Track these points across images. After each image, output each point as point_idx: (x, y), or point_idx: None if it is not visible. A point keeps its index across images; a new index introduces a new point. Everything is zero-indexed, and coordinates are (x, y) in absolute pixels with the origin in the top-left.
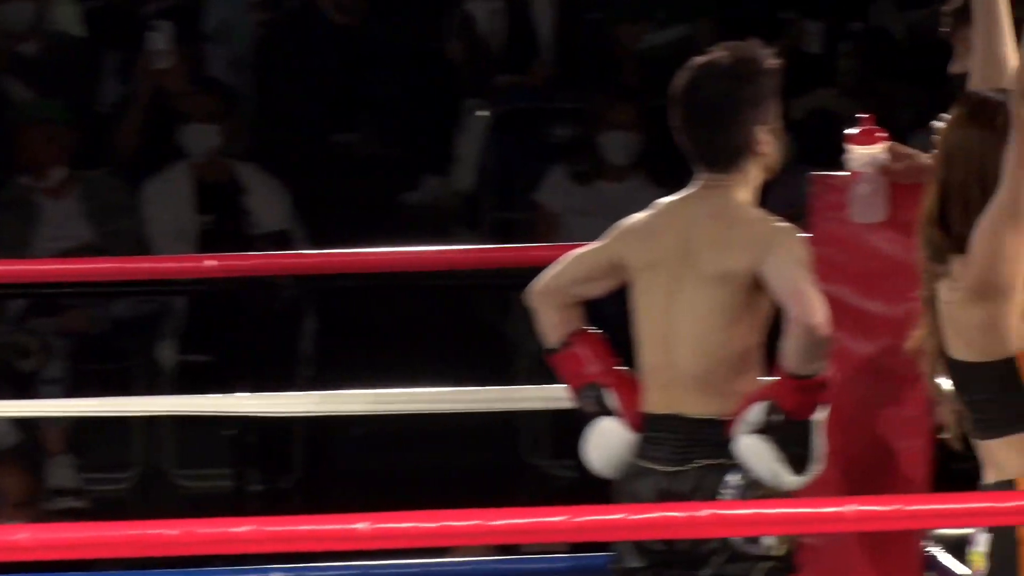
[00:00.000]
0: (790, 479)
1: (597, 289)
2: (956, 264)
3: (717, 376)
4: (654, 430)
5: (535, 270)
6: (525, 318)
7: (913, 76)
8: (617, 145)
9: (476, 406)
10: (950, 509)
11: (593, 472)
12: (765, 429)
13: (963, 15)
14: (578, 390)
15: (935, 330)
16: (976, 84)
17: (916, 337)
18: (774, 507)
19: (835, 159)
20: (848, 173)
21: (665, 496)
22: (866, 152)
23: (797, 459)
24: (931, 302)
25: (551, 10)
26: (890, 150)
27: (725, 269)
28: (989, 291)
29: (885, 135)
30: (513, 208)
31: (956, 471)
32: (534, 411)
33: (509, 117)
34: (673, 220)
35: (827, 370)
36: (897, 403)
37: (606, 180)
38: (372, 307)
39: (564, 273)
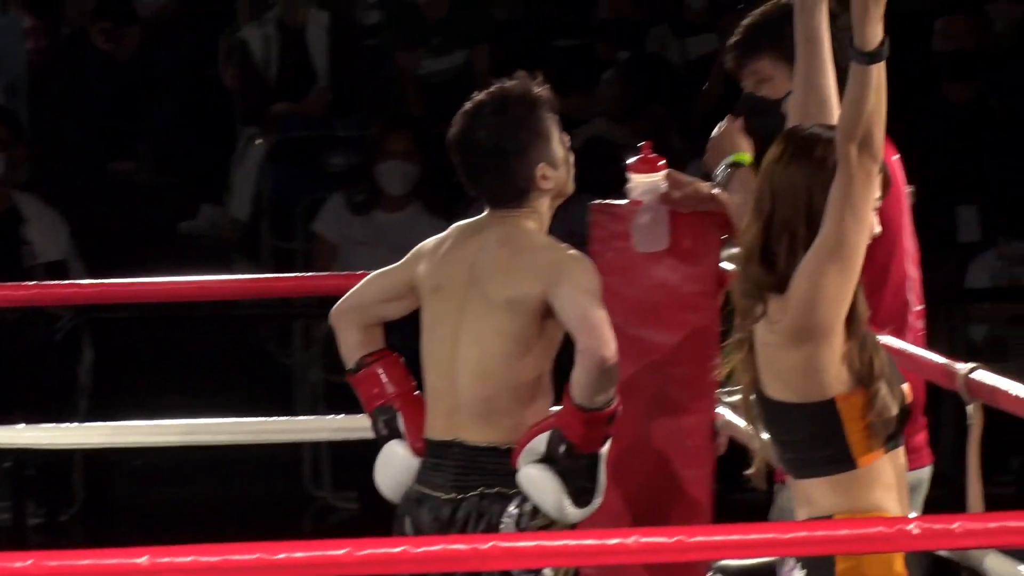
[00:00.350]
0: (572, 511)
1: (395, 310)
2: (774, 304)
3: (500, 404)
4: (435, 456)
5: (315, 299)
6: (305, 348)
7: (691, 103)
8: (394, 174)
9: (258, 437)
10: (732, 540)
11: (383, 496)
12: (549, 460)
13: (747, 48)
14: (372, 412)
15: (749, 367)
16: (797, 119)
17: (723, 371)
18: (558, 539)
19: (613, 188)
20: (628, 202)
21: (443, 524)
22: (646, 181)
23: (581, 491)
24: (746, 341)
25: (326, 37)
26: (669, 178)
27: (512, 296)
28: (809, 333)
29: (664, 163)
30: (291, 237)
31: (737, 501)
32: (316, 443)
33: (286, 145)
34: (463, 245)
35: (615, 403)
36: (679, 433)
37: (383, 209)
38: (151, 337)
39: (363, 293)
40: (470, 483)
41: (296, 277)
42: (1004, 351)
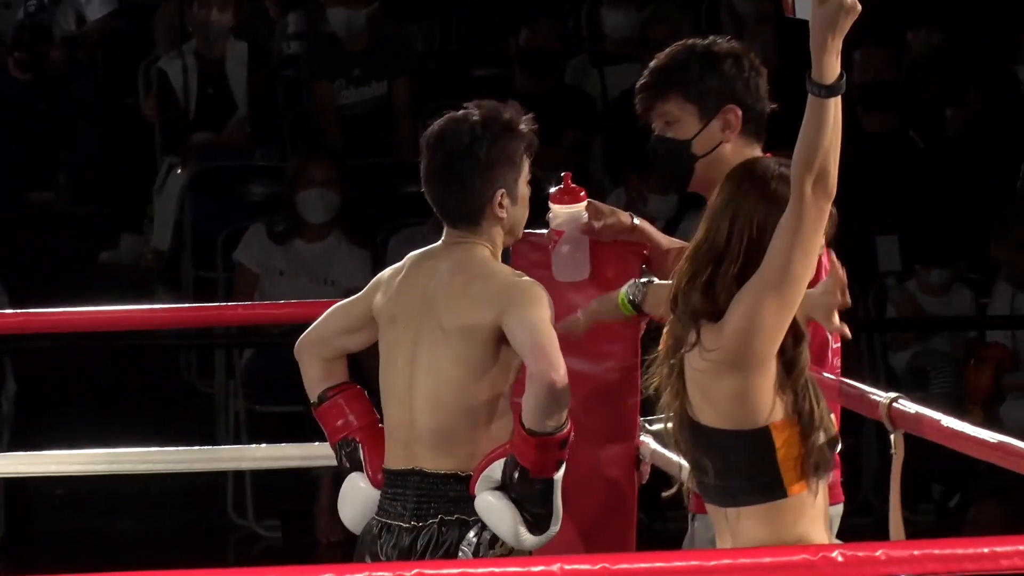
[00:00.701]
0: (529, 538)
1: (356, 341)
2: (708, 332)
3: (457, 431)
4: (394, 486)
5: (236, 329)
6: (227, 377)
7: (610, 133)
8: (315, 203)
9: (180, 466)
10: (657, 568)
11: (348, 529)
12: (505, 487)
13: (654, 90)
14: (335, 444)
15: (678, 394)
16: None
17: (651, 392)
18: (479, 567)
19: (533, 216)
20: (549, 231)
21: (403, 552)
22: (567, 211)
23: (536, 517)
24: (676, 367)
25: (245, 68)
26: (590, 208)
27: (466, 323)
28: (743, 362)
29: (585, 193)
30: (212, 267)
31: (660, 530)
32: (239, 471)
33: (206, 175)
34: (416, 274)
35: (567, 427)
36: (601, 462)
37: (304, 239)
38: (73, 367)
39: (325, 326)
40: (429, 511)
41: (217, 307)
42: (925, 380)
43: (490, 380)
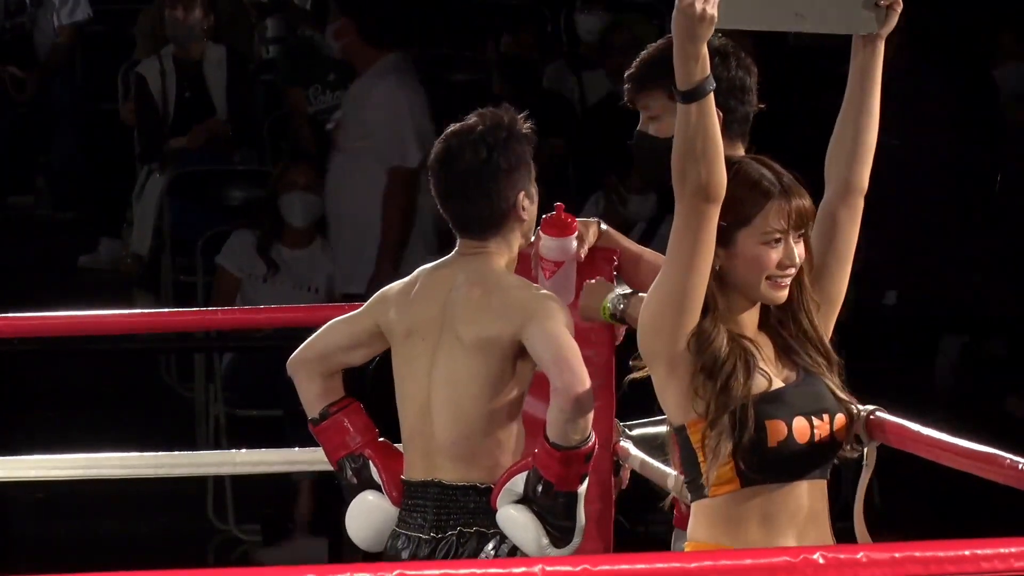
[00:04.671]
0: (552, 550)
1: (357, 357)
2: None
3: (476, 444)
4: (413, 497)
5: (216, 333)
6: (207, 382)
7: (588, 137)
8: (296, 207)
9: (161, 471)
10: (637, 569)
11: (358, 546)
12: (527, 500)
13: (639, 82)
14: (339, 462)
15: None
16: None
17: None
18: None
19: None
20: (536, 256)
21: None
22: (558, 243)
23: (559, 530)
24: None
25: (224, 72)
26: (580, 239)
27: (485, 336)
28: (649, 360)
29: (575, 222)
30: (192, 271)
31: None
32: (219, 476)
33: (185, 179)
34: (432, 287)
35: (592, 440)
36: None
37: (287, 244)
38: (52, 371)
39: (325, 342)
40: (448, 522)
41: (197, 311)
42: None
43: (508, 393)
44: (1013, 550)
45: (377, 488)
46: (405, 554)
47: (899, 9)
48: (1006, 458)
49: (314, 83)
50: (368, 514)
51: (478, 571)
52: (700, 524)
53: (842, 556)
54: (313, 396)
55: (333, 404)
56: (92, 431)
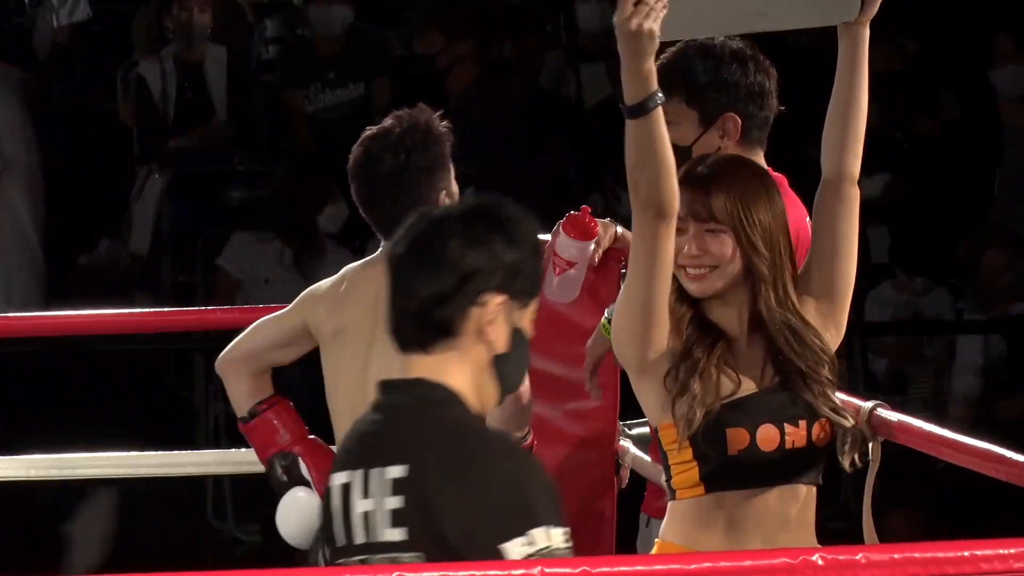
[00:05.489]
0: None
1: (287, 355)
2: None
3: None
4: None
5: (216, 334)
6: (206, 382)
7: (587, 137)
8: (328, 217)
9: (160, 471)
10: (638, 571)
11: (287, 543)
12: None
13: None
14: (268, 459)
15: None
16: None
17: None
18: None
19: None
20: (550, 253)
21: None
22: (580, 245)
23: None
24: None
25: (224, 72)
26: (597, 243)
27: None
28: (623, 361)
29: (596, 226)
30: (192, 271)
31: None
32: (219, 476)
33: (185, 180)
34: (361, 286)
35: (529, 438)
36: (579, 467)
37: (290, 246)
38: (51, 371)
39: (253, 340)
40: None
41: (196, 311)
42: (904, 384)
43: None
44: (1013, 551)
45: (307, 485)
46: None
47: None
48: (1010, 455)
49: (313, 82)
50: (299, 511)
51: (477, 572)
52: (670, 525)
53: (841, 557)
54: (242, 395)
55: (262, 402)
56: (91, 431)
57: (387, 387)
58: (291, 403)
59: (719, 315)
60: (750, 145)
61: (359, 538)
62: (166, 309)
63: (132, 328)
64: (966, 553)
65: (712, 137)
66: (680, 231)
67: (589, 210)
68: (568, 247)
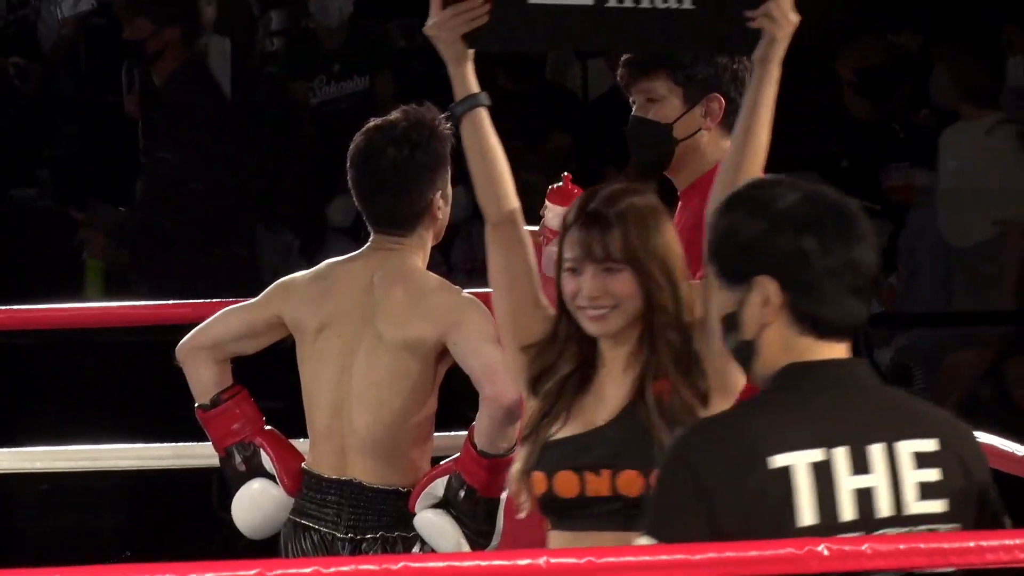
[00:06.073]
0: None
1: (252, 346)
2: None
3: (397, 445)
4: (322, 492)
5: None
6: None
7: (591, 129)
8: (340, 208)
9: (165, 462)
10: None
11: (243, 533)
12: (446, 504)
13: (644, 64)
14: (227, 449)
15: None
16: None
17: None
18: (467, 559)
19: None
20: (543, 228)
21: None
22: (563, 211)
23: (479, 534)
24: None
25: (228, 64)
26: None
27: (408, 339)
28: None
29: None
30: None
31: None
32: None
33: None
34: (346, 281)
35: (515, 448)
36: None
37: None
38: (55, 363)
39: (218, 329)
40: (367, 524)
41: (199, 303)
42: (908, 377)
43: (426, 395)
44: (1018, 541)
45: (267, 476)
46: (311, 547)
47: (778, 36)
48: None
49: (318, 74)
50: (259, 501)
51: (483, 563)
52: None
53: (846, 548)
54: (206, 383)
55: (225, 391)
56: (96, 423)
57: (815, 367)
58: (249, 393)
59: (605, 349)
60: (726, 131)
61: (884, 511)
62: (170, 302)
63: (136, 321)
64: (971, 544)
65: (695, 116)
66: (573, 272)
67: (570, 177)
68: (555, 217)
